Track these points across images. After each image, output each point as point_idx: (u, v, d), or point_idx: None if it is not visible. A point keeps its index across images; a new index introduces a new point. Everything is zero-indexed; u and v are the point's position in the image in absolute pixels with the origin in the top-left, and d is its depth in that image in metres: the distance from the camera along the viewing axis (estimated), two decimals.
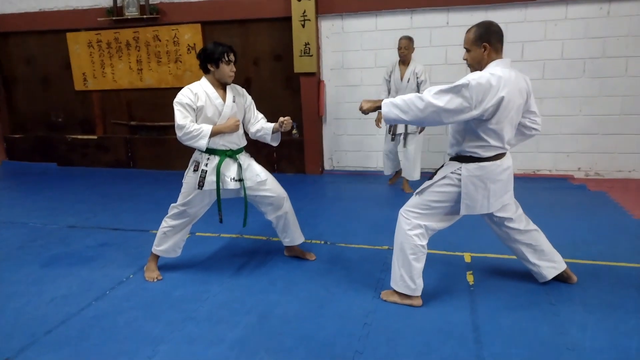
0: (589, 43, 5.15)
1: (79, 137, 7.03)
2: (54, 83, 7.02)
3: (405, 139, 4.97)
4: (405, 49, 4.78)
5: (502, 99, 2.42)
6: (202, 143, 2.96)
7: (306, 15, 5.57)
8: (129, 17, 6.23)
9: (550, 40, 5.24)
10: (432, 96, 2.44)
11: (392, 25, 5.59)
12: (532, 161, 5.63)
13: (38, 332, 2.61)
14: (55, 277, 3.33)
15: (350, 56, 5.85)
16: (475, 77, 2.42)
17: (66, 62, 6.80)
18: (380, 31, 5.66)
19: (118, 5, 6.24)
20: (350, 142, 6.14)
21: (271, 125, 3.20)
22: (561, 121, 5.43)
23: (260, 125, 3.24)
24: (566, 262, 2.99)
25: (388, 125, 5.02)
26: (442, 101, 2.42)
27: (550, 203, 4.62)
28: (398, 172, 5.40)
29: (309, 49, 5.65)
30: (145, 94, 6.63)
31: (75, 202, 5.21)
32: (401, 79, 4.88)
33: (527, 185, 5.20)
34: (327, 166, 6.31)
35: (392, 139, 5.12)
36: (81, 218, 4.64)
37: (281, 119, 3.09)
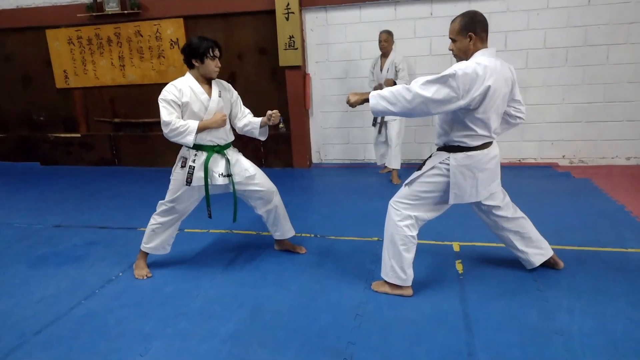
0: (571, 32, 5.21)
1: (62, 135, 6.92)
2: (35, 81, 6.90)
3: (382, 125, 5.24)
4: (385, 42, 5.05)
5: (488, 88, 2.44)
6: (189, 139, 2.94)
7: (290, 8, 5.53)
8: (110, 13, 6.13)
9: (532, 30, 5.29)
10: (419, 87, 2.45)
11: (376, 17, 5.59)
12: (517, 150, 5.69)
13: (27, 333, 2.58)
14: (43, 277, 3.29)
15: (335, 48, 5.84)
16: (461, 67, 2.43)
17: (46, 59, 6.67)
18: (364, 23, 5.66)
19: (98, 0, 6.13)
20: (338, 135, 6.15)
21: (259, 119, 3.18)
22: (545, 110, 5.49)
23: (248, 120, 3.22)
24: (553, 249, 3.04)
25: (374, 119, 5.23)
26: (430, 92, 2.43)
27: (535, 191, 4.68)
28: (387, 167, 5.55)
29: (294, 42, 5.63)
30: (129, 90, 6.54)
31: (60, 202, 5.14)
32: (381, 70, 5.14)
33: (513, 174, 5.26)
34: (314, 159, 6.30)
35: (379, 132, 5.32)
36: (67, 217, 4.58)
37: (269, 112, 3.08)
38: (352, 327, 2.51)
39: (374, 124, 5.36)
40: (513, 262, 3.09)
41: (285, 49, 5.67)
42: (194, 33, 5.98)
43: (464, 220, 3.76)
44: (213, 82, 3.06)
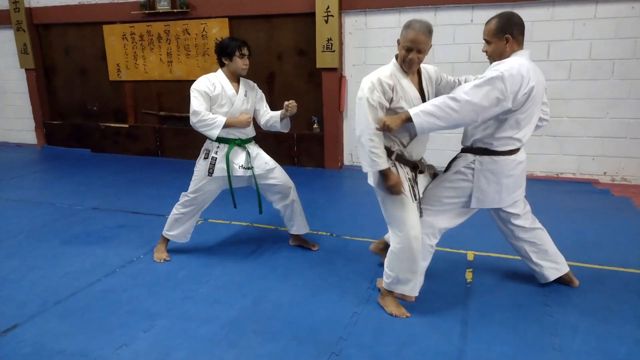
0: (619, 43, 4.97)
1: (112, 125, 7.34)
2: (91, 73, 7.36)
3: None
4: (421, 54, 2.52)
5: (532, 88, 2.37)
6: (215, 132, 3.09)
7: (329, 11, 5.62)
8: (161, 11, 6.45)
9: (577, 40, 5.09)
10: (466, 94, 2.32)
11: None
12: (555, 163, 5.49)
13: (49, 302, 2.80)
14: (72, 254, 3.53)
15: (372, 52, 5.86)
16: (505, 68, 2.34)
17: (102, 53, 7.11)
18: None
19: None
20: None
21: (278, 112, 3.29)
22: (587, 123, 5.27)
23: (270, 115, 3.34)
24: (572, 265, 2.95)
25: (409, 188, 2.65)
26: (478, 97, 2.31)
27: (569, 206, 4.50)
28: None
29: (332, 44, 5.70)
30: (175, 85, 6.85)
31: (102, 187, 5.47)
32: (423, 96, 2.65)
33: (550, 188, 5.09)
34: (346, 161, 6.35)
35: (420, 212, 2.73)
36: (105, 201, 4.88)
37: (285, 103, 3.17)
38: (347, 324, 2.54)
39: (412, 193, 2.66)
40: (526, 276, 3.02)
41: (323, 51, 5.76)
42: (238, 33, 6.19)
43: (483, 229, 3.68)
44: (240, 81, 3.22)
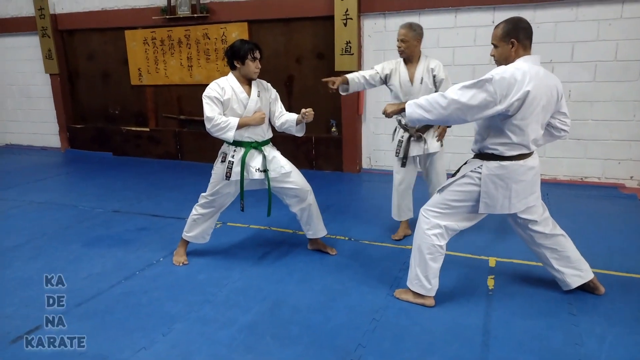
0: None
1: (133, 129, 7.44)
2: (113, 77, 7.48)
3: (429, 161, 3.73)
4: (402, 42, 3.50)
5: (527, 93, 2.36)
6: (230, 135, 3.10)
7: (348, 14, 5.60)
8: (181, 16, 6.52)
9: (603, 41, 4.96)
10: (455, 93, 2.42)
11: (435, 24, 5.50)
12: (579, 167, 5.35)
13: (70, 304, 2.83)
14: (93, 256, 3.58)
15: (391, 55, 5.75)
16: (499, 71, 2.39)
17: (124, 58, 7.22)
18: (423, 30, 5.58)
19: (172, 4, 6.56)
20: (389, 142, 6.05)
21: (295, 116, 3.28)
22: (613, 126, 5.13)
23: (285, 118, 3.33)
24: (598, 273, 2.87)
25: (396, 147, 3.70)
26: (466, 97, 2.39)
27: (593, 211, 4.39)
28: (405, 224, 3.86)
29: (350, 47, 5.68)
30: (195, 89, 6.90)
31: (123, 190, 5.54)
32: (411, 81, 3.54)
33: (574, 193, 4.97)
34: (364, 165, 6.31)
35: (403, 164, 3.67)
36: (126, 204, 4.94)
37: (303, 110, 3.16)
38: (366, 330, 2.51)
39: (397, 153, 3.68)
40: (550, 283, 2.94)
41: (342, 54, 5.74)
42: (257, 37, 6.22)
43: (505, 235, 3.62)
44: (253, 82, 3.20)
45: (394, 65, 3.64)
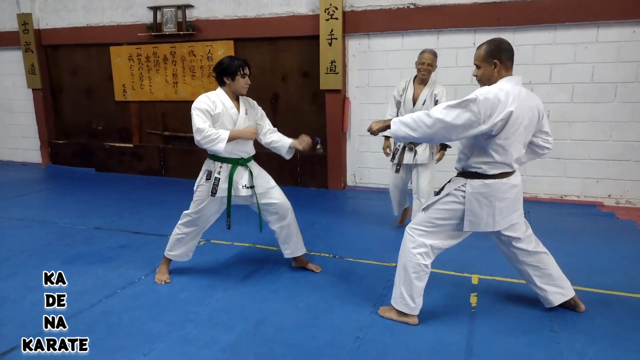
0: (621, 67, 5.00)
1: (117, 144, 7.38)
2: (97, 93, 7.44)
3: (415, 170, 4.19)
4: (429, 66, 3.99)
5: (510, 113, 2.42)
6: (220, 146, 3.04)
7: (333, 34, 5.69)
8: (167, 33, 6.55)
9: (579, 63, 5.12)
10: (439, 112, 2.46)
11: (418, 45, 5.59)
12: (559, 186, 5.46)
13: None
14: (74, 273, 3.50)
15: (375, 74, 5.91)
16: (483, 92, 2.44)
17: (108, 74, 7.19)
18: (406, 50, 5.70)
19: (158, 21, 6.58)
20: (373, 159, 6.16)
21: (289, 141, 3.29)
22: (590, 146, 5.27)
23: (278, 137, 3.34)
24: (578, 290, 2.91)
25: (392, 154, 4.30)
26: (450, 117, 2.43)
27: (574, 229, 4.47)
28: (407, 210, 4.69)
29: (335, 66, 5.76)
30: (179, 106, 6.91)
31: (105, 206, 5.47)
32: (414, 101, 4.08)
33: (554, 210, 5.06)
34: (349, 182, 6.34)
35: (397, 170, 4.25)
36: (108, 220, 4.87)
37: (303, 136, 3.20)
38: (350, 348, 2.50)
39: (392, 159, 4.30)
40: (532, 301, 2.98)
41: (327, 73, 5.81)
42: (243, 55, 6.25)
43: (488, 252, 3.66)
44: (240, 99, 3.22)
45: (405, 84, 4.21)
